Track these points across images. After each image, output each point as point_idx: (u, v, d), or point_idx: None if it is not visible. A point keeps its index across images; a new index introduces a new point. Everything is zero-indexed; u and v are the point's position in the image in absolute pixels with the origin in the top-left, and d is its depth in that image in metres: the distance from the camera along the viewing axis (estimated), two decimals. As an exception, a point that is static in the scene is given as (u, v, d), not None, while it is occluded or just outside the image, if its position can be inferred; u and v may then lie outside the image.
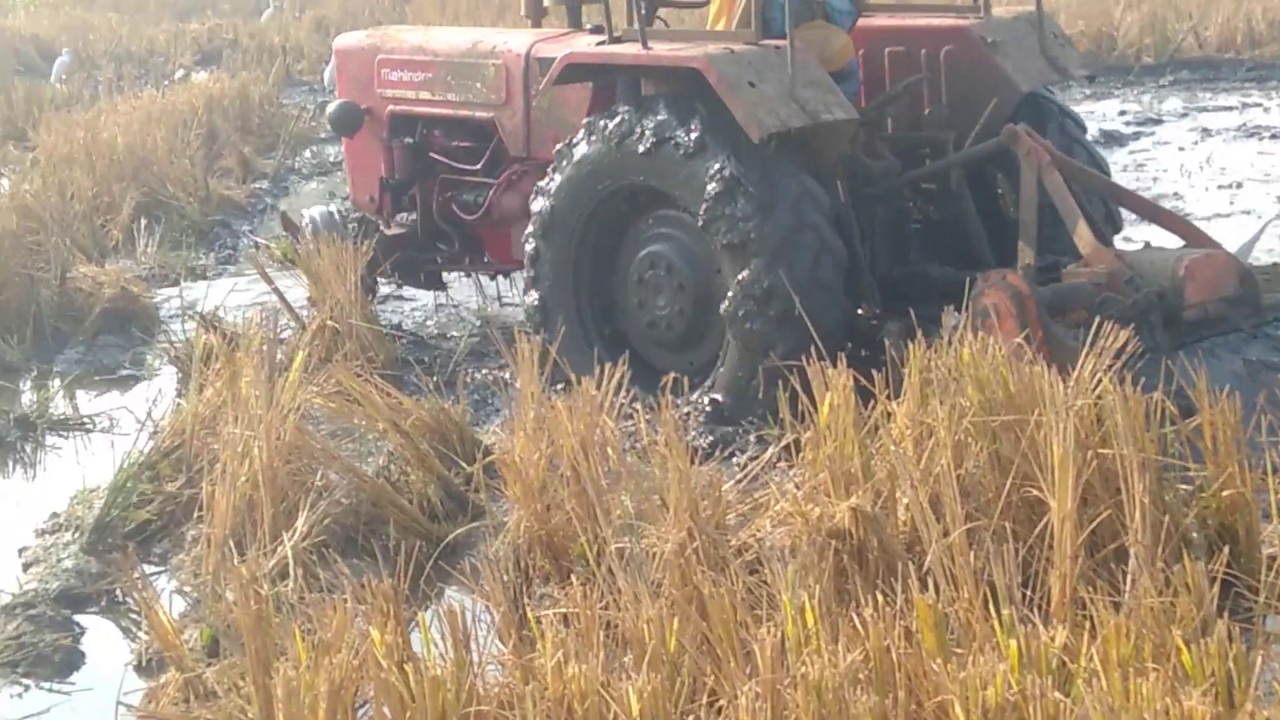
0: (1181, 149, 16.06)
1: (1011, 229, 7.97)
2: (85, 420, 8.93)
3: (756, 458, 6.78)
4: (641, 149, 8.01)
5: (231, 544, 6.22)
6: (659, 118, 8.01)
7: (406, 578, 5.34)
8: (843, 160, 8.24)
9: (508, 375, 7.87)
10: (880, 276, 8.16)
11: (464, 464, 7.14)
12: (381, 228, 10.14)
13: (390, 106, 10.02)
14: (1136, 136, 17.35)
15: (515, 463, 6.30)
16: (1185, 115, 18.23)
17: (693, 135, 7.88)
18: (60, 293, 10.65)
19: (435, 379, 8.65)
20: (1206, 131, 16.93)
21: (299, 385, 7.20)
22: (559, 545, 6.13)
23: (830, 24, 8.56)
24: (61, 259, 10.79)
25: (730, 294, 7.76)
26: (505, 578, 5.96)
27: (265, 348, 7.53)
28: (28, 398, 9.55)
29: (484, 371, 8.89)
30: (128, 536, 6.92)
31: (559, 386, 7.22)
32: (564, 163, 8.37)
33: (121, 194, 13.66)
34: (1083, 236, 7.62)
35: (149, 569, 6.64)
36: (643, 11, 8.23)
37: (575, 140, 8.34)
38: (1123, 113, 19.46)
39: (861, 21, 8.96)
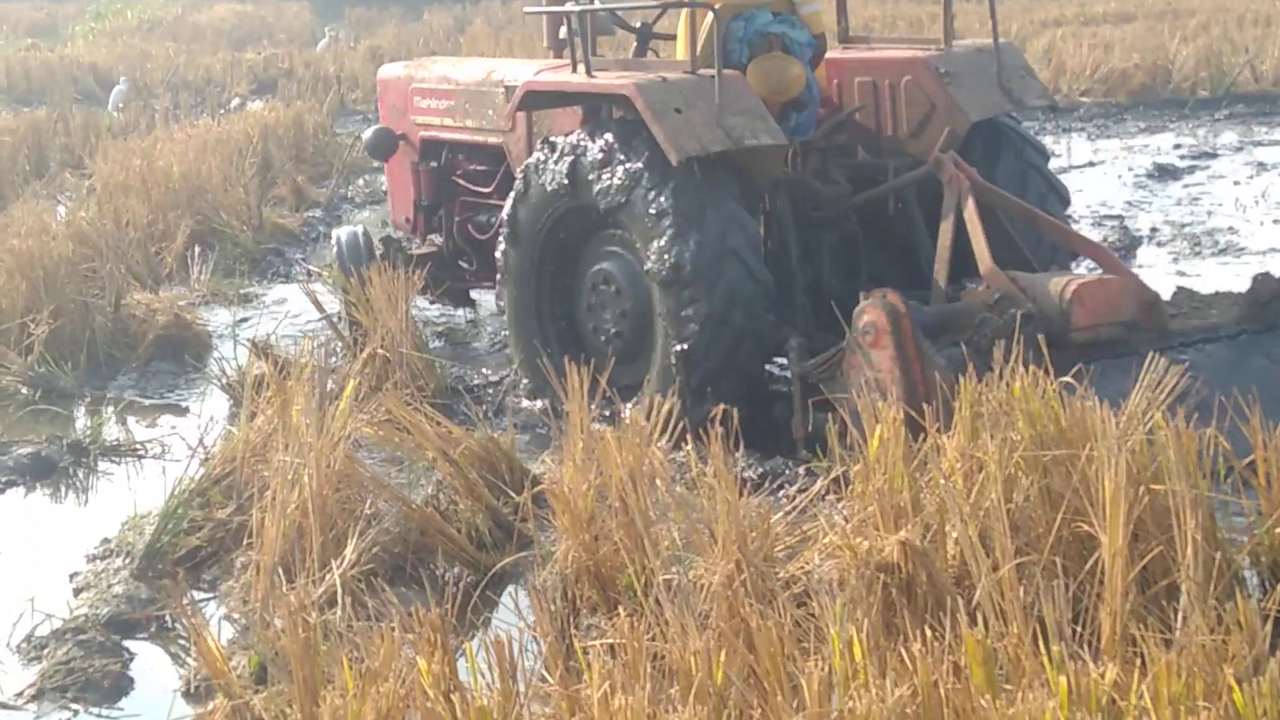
0: (1237, 183, 15.98)
1: (963, 250, 8.20)
2: (137, 446, 8.98)
3: (805, 490, 6.76)
4: (589, 171, 8.46)
5: (280, 571, 6.24)
6: (605, 141, 8.44)
7: (454, 607, 5.35)
8: (789, 184, 8.72)
9: (556, 405, 7.87)
10: (833, 296, 8.35)
11: (512, 493, 7.14)
12: (409, 248, 10.67)
13: (421, 132, 10.65)
14: (1191, 170, 17.28)
15: (564, 493, 6.29)
16: (1240, 149, 18.15)
17: (629, 161, 8.30)
18: (114, 319, 10.73)
19: (485, 408, 8.68)
20: (1262, 165, 16.86)
21: (349, 414, 7.22)
22: (606, 576, 6.12)
23: (787, 55, 8.84)
24: (116, 286, 10.86)
25: (657, 314, 8.21)
26: (552, 608, 5.97)
27: (316, 376, 7.56)
28: (81, 423, 9.61)
29: (535, 402, 8.88)
30: (178, 563, 6.95)
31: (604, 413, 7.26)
32: (528, 177, 8.84)
33: (176, 222, 13.76)
34: (982, 259, 7.92)
35: (198, 595, 6.67)
36: (587, 42, 8.75)
37: (539, 157, 8.79)
38: (1177, 146, 19.39)
39: (838, 54, 9.46)
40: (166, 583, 6.49)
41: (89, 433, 9.13)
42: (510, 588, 6.55)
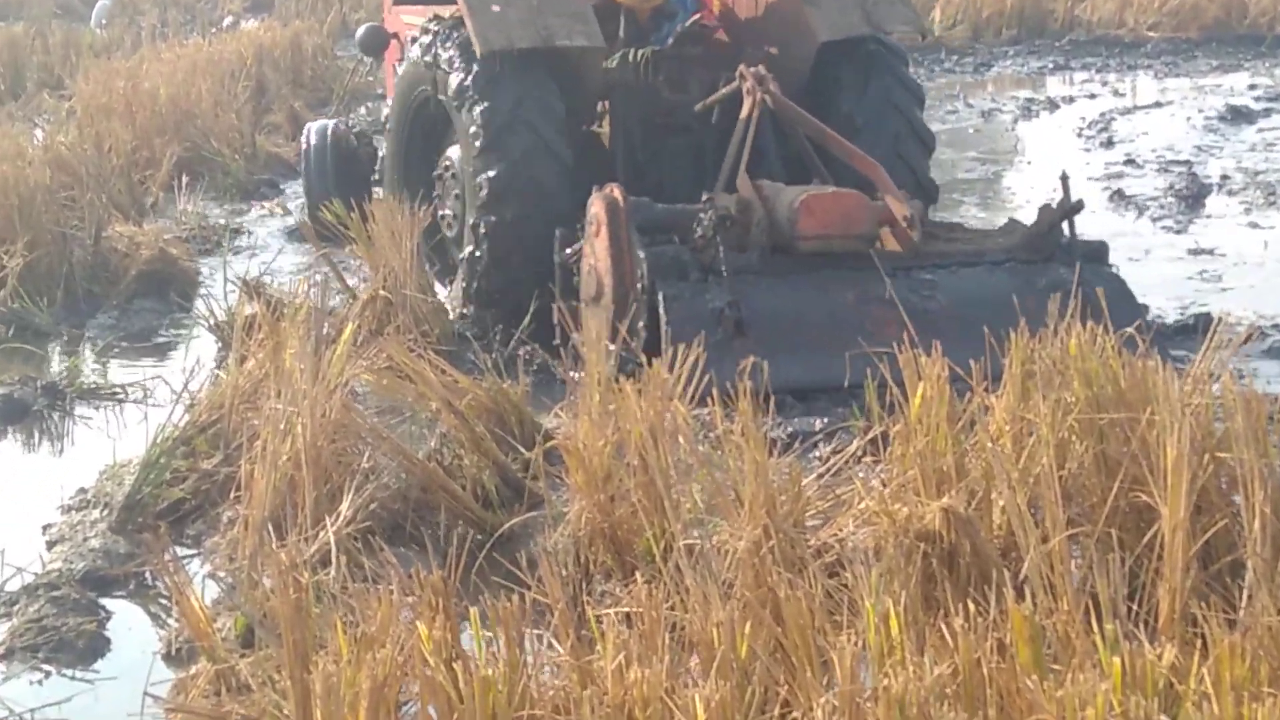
0: (1315, 127, 15.92)
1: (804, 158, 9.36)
2: (117, 390, 9.00)
3: (839, 450, 6.76)
4: (428, 62, 9.82)
5: (270, 527, 6.25)
6: (443, 34, 9.75)
7: (457, 569, 5.35)
8: (634, 89, 9.88)
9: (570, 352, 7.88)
10: (677, 200, 9.04)
11: (522, 449, 7.15)
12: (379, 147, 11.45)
13: (406, 31, 11.42)
14: (1267, 114, 17.22)
15: (578, 449, 6.29)
16: (1321, 90, 18.06)
17: (456, 55, 9.59)
18: (94, 253, 10.76)
19: (494, 356, 8.67)
20: (1346, 109, 16.77)
21: (347, 359, 7.22)
22: (623, 539, 6.13)
23: None
24: (97, 217, 10.89)
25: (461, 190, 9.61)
26: (564, 572, 5.98)
27: (312, 318, 7.57)
28: (57, 364, 9.64)
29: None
30: (159, 516, 6.97)
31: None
32: (398, 69, 10.44)
33: (162, 149, 13.79)
34: (737, 169, 8.91)
35: (181, 551, 6.67)
36: None
37: (407, 50, 10.29)
38: (1253, 87, 19.29)
39: None
40: (147, 537, 6.51)
41: (65, 374, 9.16)
42: (518, 550, 6.55)
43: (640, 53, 9.91)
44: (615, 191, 8.52)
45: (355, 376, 7.37)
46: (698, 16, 10.03)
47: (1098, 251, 8.97)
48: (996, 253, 8.89)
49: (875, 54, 10.01)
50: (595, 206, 8.52)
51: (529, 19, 9.40)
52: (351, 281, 9.82)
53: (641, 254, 8.36)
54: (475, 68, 9.47)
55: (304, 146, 12.08)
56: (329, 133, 12.00)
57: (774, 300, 8.40)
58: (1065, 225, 8.81)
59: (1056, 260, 8.74)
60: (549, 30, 9.39)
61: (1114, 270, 8.96)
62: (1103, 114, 18.40)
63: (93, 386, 9.03)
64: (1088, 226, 12.21)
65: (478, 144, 9.33)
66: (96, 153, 12.70)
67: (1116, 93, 20.66)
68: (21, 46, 20.36)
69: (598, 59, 9.65)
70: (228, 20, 27.08)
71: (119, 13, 25.50)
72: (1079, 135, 17.13)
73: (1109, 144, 16.34)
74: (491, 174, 9.24)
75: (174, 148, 13.80)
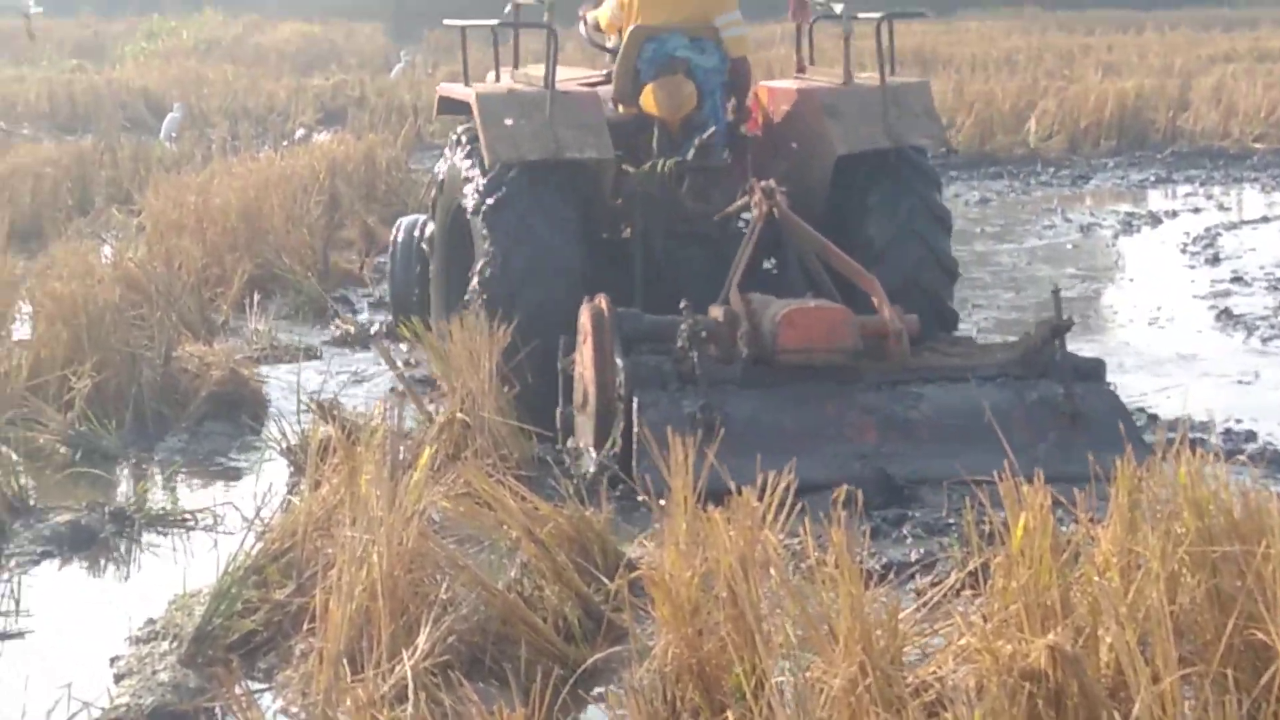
0: None
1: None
2: (187, 516, 9.05)
3: (938, 583, 6.72)
4: (452, 174, 10.85)
5: (345, 661, 6.26)
6: (468, 148, 10.61)
7: (540, 707, 5.34)
8: (659, 199, 10.56)
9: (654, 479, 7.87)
10: (697, 309, 9.49)
11: (605, 579, 7.15)
12: None
13: None
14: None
15: (664, 580, 6.29)
16: None
17: (472, 165, 10.48)
18: (164, 373, 10.84)
19: (576, 482, 8.69)
20: None
21: (424, 485, 7.25)
22: (711, 675, 6.11)
23: (687, 78, 10.70)
24: (167, 336, 10.99)
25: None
26: (650, 709, 5.95)
27: (388, 442, 7.61)
28: (124, 489, 9.71)
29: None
30: (230, 648, 6.99)
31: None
32: (439, 167, 11.49)
33: (233, 265, 13.95)
34: (732, 281, 9.60)
35: (253, 686, 6.69)
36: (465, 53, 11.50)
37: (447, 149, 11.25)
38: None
39: (772, 82, 11.69)
40: (218, 670, 6.51)
41: (133, 500, 9.22)
42: (602, 686, 6.54)
43: (665, 163, 10.53)
44: (602, 302, 9.23)
45: (433, 503, 7.39)
46: (712, 131, 10.59)
47: (1094, 369, 9.45)
48: (989, 367, 9.44)
49: (903, 176, 10.54)
50: (583, 316, 9.24)
51: (540, 131, 10.11)
52: (428, 402, 9.88)
53: (620, 363, 9.05)
54: (485, 180, 10.25)
55: (393, 240, 12.63)
56: (418, 227, 12.31)
57: (751, 408, 9.07)
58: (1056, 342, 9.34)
59: (1051, 376, 9.24)
60: (559, 143, 10.11)
61: (1110, 388, 9.46)
62: (1208, 229, 18.37)
63: (161, 512, 9.09)
64: (1194, 346, 12.22)
65: (487, 255, 10.07)
66: (166, 270, 12.85)
67: (1222, 206, 20.62)
68: (90, 161, 20.68)
69: (606, 170, 10.42)
70: (300, 133, 27.40)
71: (189, 126, 25.89)
72: (1183, 251, 17.10)
73: (1215, 260, 16.29)
74: (500, 285, 9.96)
75: (245, 264, 13.96)
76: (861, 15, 10.96)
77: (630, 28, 10.83)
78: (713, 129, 10.63)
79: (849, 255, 10.00)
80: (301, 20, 51.84)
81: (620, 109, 10.94)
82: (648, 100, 10.71)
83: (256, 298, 13.30)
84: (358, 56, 43.92)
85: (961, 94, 26.94)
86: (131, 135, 24.78)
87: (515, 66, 11.35)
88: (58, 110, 31.01)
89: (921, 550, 7.79)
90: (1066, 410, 9.12)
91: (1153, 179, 23.49)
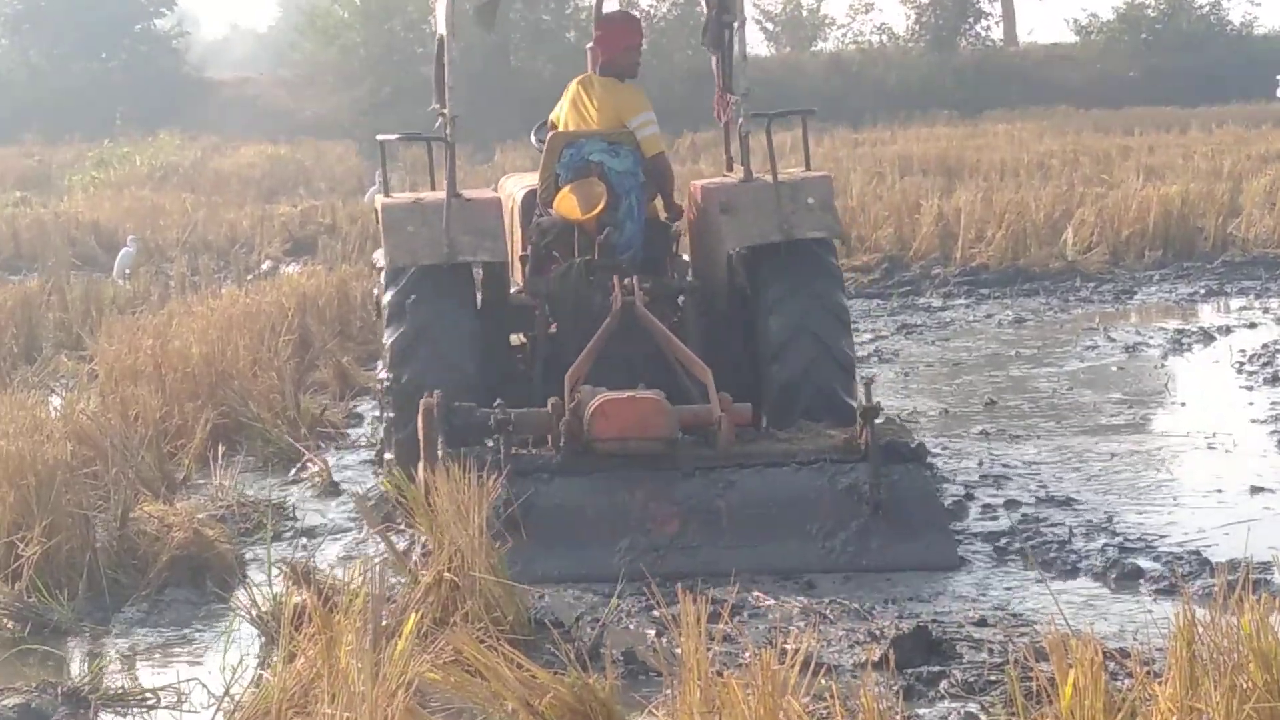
0: None
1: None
2: (148, 695, 9.02)
3: (980, 750, 6.71)
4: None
5: None
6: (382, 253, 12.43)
7: None
8: (566, 298, 12.14)
9: (665, 641, 7.87)
10: None
11: (613, 754, 7.12)
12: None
13: None
14: None
15: (678, 754, 6.27)
16: None
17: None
18: (120, 537, 10.82)
19: (576, 645, 8.67)
20: None
21: (410, 655, 7.24)
22: None
23: (599, 181, 12.25)
24: (123, 496, 10.97)
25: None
26: None
27: (369, 607, 7.60)
28: (78, 666, 9.68)
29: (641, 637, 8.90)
30: (199, 843, 6.96)
31: None
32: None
33: (195, 415, 13.95)
34: (580, 372, 11.09)
35: None
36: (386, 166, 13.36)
37: None
38: None
39: (701, 180, 13.56)
40: None
41: (89, 678, 9.19)
42: None
43: (575, 264, 12.16)
44: (432, 397, 10.78)
45: (420, 674, 7.37)
46: (607, 231, 12.20)
47: (914, 452, 10.74)
48: (809, 453, 10.70)
49: (804, 273, 12.04)
50: (422, 407, 10.83)
51: (437, 237, 11.75)
52: (411, 560, 9.88)
53: (440, 454, 10.34)
54: (386, 286, 12.04)
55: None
56: None
57: (561, 497, 10.44)
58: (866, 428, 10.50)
59: (871, 461, 10.42)
60: (453, 247, 11.74)
61: (927, 473, 10.87)
62: (1265, 345, 18.42)
63: (120, 692, 9.05)
64: (1256, 477, 12.22)
65: (387, 359, 11.99)
66: (121, 422, 12.87)
67: (1262, 323, 20.69)
68: (36, 303, 20.71)
69: (499, 271, 12.35)
70: (265, 265, 27.60)
71: (144, 261, 26.03)
72: (1239, 371, 17.13)
73: (1274, 380, 16.33)
74: (398, 387, 11.68)
75: (208, 414, 13.96)
76: (755, 114, 12.49)
77: (549, 135, 12.64)
78: (608, 229, 12.18)
79: (753, 347, 12.11)
80: (266, 141, 52.31)
81: (548, 213, 12.54)
82: (561, 203, 12.34)
83: (221, 450, 13.30)
84: (328, 179, 44.29)
85: (990, 204, 27.09)
86: (81, 273, 24.94)
87: (448, 179, 12.33)
88: (0, 247, 31.16)
89: (961, 712, 7.75)
90: (872, 498, 10.37)
91: (1203, 292, 23.57)
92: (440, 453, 10.36)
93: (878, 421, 10.57)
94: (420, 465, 10.67)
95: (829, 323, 11.97)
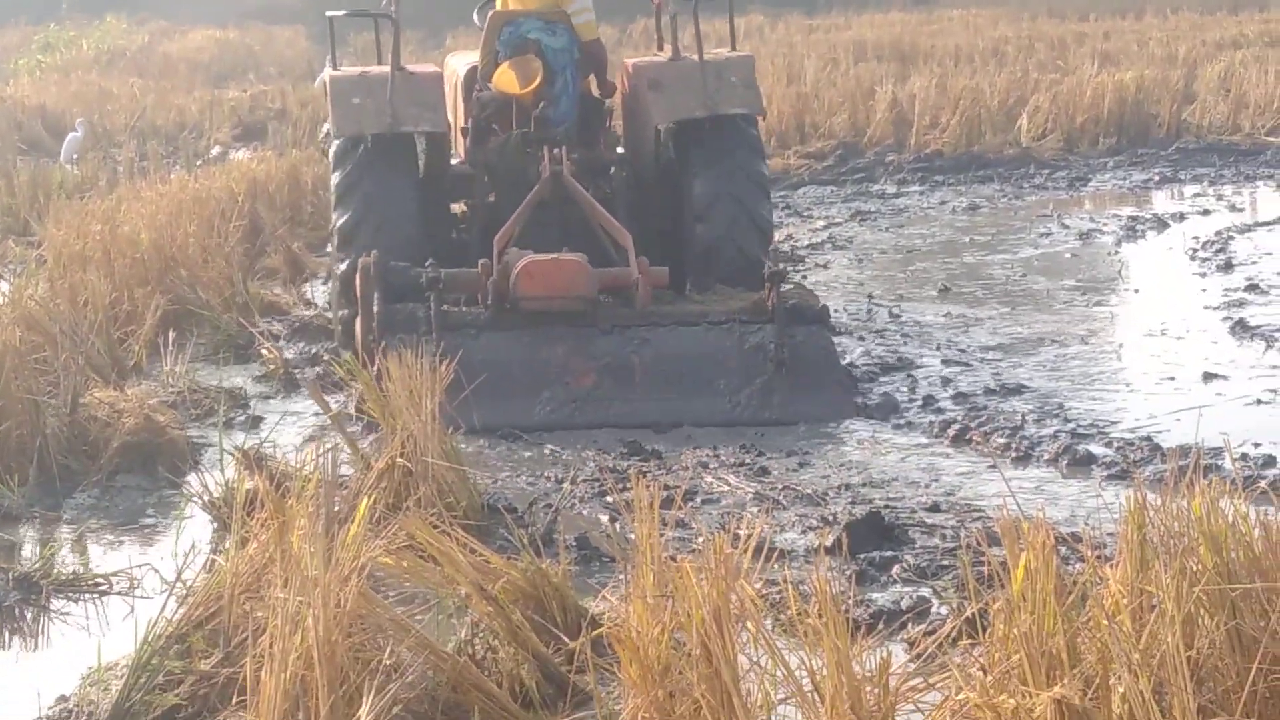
0: None
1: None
2: (100, 581, 9.04)
3: (932, 632, 6.75)
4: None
5: (280, 737, 6.25)
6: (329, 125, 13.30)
7: (497, 782, 5.35)
8: (503, 167, 12.97)
9: (618, 526, 7.90)
10: None
11: (566, 639, 7.15)
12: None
13: None
14: None
15: (630, 637, 6.30)
16: None
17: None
18: (71, 423, 10.81)
19: (529, 531, 8.70)
20: None
21: (363, 539, 7.25)
22: (685, 742, 6.12)
23: (536, 58, 13.01)
24: (73, 382, 10.96)
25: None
26: (618, 782, 5.97)
27: (322, 492, 7.61)
28: (30, 551, 9.68)
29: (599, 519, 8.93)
30: (152, 726, 6.98)
31: None
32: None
33: (145, 301, 13.91)
34: (509, 235, 12.03)
35: (178, 767, 6.68)
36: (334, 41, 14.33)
37: None
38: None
39: (632, 59, 14.23)
40: (139, 751, 6.52)
41: (40, 564, 9.20)
42: (565, 756, 6.55)
43: (513, 136, 12.97)
44: (369, 257, 11.63)
45: (373, 559, 7.38)
46: (542, 105, 12.97)
47: (818, 314, 11.79)
48: (720, 314, 11.66)
49: (726, 144, 12.93)
50: (360, 265, 11.67)
51: (381, 108, 12.56)
52: (365, 445, 9.89)
53: (375, 310, 11.31)
54: (333, 156, 12.91)
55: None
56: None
57: (487, 352, 11.25)
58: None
59: (777, 322, 11.39)
60: (396, 118, 12.57)
61: (827, 333, 11.81)
62: (1219, 232, 18.47)
63: (72, 577, 9.06)
64: (1207, 362, 12.29)
65: (336, 224, 12.78)
66: (70, 308, 12.81)
67: (1233, 208, 20.75)
68: (-18, 189, 20.63)
69: (441, 141, 13.21)
70: (215, 150, 27.45)
71: (92, 146, 25.85)
72: (1192, 257, 17.19)
73: (1227, 267, 16.38)
74: (342, 254, 12.59)
75: (158, 300, 13.91)
76: None
77: (490, 13, 13.48)
78: (543, 103, 12.97)
79: (680, 212, 13.08)
80: (214, 26, 51.86)
81: (488, 88, 13.31)
82: (500, 78, 13.11)
83: (172, 336, 13.26)
84: (277, 64, 43.98)
85: (945, 90, 27.07)
86: (28, 159, 24.75)
87: (393, 54, 13.04)
88: (-55, 133, 30.91)
89: (913, 596, 7.81)
90: (776, 357, 11.30)
91: (1157, 179, 23.60)
92: (376, 309, 11.27)
93: (784, 287, 11.61)
94: (358, 322, 11.56)
95: (749, 189, 12.95)
